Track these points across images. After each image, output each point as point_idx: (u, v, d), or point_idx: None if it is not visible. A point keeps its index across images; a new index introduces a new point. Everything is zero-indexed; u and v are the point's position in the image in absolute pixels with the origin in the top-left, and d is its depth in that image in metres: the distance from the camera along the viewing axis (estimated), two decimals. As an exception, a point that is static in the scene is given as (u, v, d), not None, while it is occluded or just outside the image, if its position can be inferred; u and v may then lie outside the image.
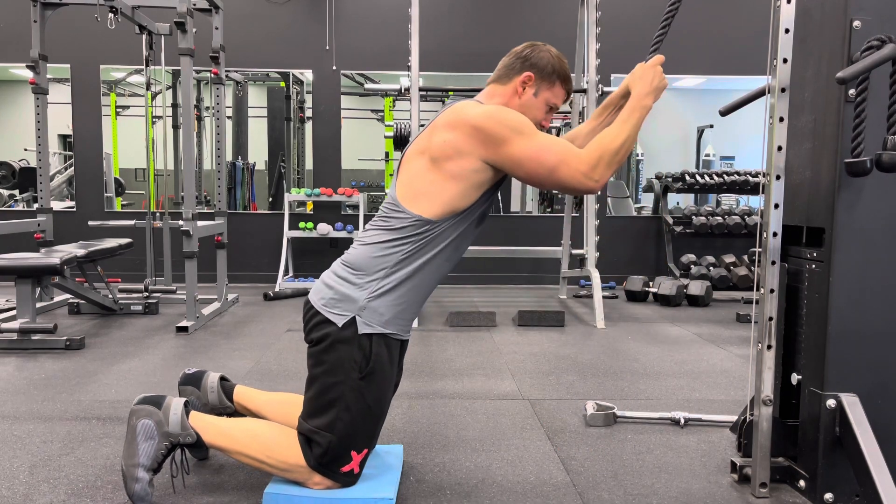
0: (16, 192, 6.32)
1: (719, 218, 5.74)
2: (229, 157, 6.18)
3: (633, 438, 2.32)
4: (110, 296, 4.40)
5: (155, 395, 1.79)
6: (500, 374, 3.15)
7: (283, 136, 6.39)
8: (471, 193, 1.71)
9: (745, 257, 5.57)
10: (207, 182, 6.47)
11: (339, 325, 1.67)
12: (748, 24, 5.98)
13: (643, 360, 3.43)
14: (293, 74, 6.21)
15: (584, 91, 4.79)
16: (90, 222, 5.21)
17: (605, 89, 4.68)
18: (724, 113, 2.25)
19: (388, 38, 5.94)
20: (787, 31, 1.76)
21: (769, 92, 1.82)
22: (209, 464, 2.03)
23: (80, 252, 3.95)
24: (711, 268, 5.51)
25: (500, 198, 6.31)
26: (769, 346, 1.84)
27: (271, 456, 1.71)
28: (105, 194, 6.09)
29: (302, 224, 5.78)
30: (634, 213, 6.58)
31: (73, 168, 6.08)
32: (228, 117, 6.16)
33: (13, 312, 3.92)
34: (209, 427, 1.76)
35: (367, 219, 5.77)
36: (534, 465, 2.08)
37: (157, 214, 5.17)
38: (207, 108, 6.49)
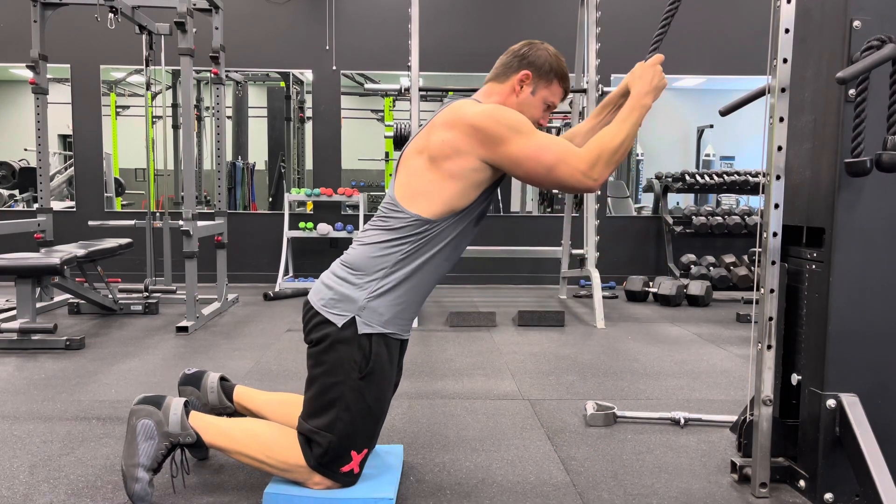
0: (16, 192, 6.32)
1: (719, 218, 5.74)
2: (229, 157, 6.18)
3: (633, 438, 2.32)
4: (110, 296, 4.40)
5: (155, 395, 1.79)
6: (500, 374, 3.15)
7: (283, 136, 6.39)
8: (469, 192, 1.71)
9: (745, 257, 5.57)
10: (207, 182, 6.47)
11: (339, 326, 1.67)
12: (748, 24, 5.98)
13: (643, 360, 3.43)
14: (293, 74, 6.21)
15: (584, 91, 4.79)
16: (90, 222, 5.21)
17: (605, 89, 4.67)
18: (724, 113, 2.25)
19: (388, 38, 5.94)
20: (787, 31, 1.76)
21: (769, 92, 1.82)
22: (209, 464, 2.03)
23: (80, 252, 3.95)
24: (711, 268, 5.51)
25: (499, 197, 6.31)
26: (769, 346, 1.84)
27: (271, 456, 1.71)
28: (105, 194, 6.08)
29: (302, 224, 5.78)
30: (634, 213, 6.58)
31: (73, 168, 6.08)
32: (228, 117, 6.16)
33: (13, 312, 3.93)
34: (209, 427, 1.76)
35: (367, 219, 5.76)
36: (534, 465, 2.08)
37: (157, 214, 5.17)
38: (207, 108, 6.48)
